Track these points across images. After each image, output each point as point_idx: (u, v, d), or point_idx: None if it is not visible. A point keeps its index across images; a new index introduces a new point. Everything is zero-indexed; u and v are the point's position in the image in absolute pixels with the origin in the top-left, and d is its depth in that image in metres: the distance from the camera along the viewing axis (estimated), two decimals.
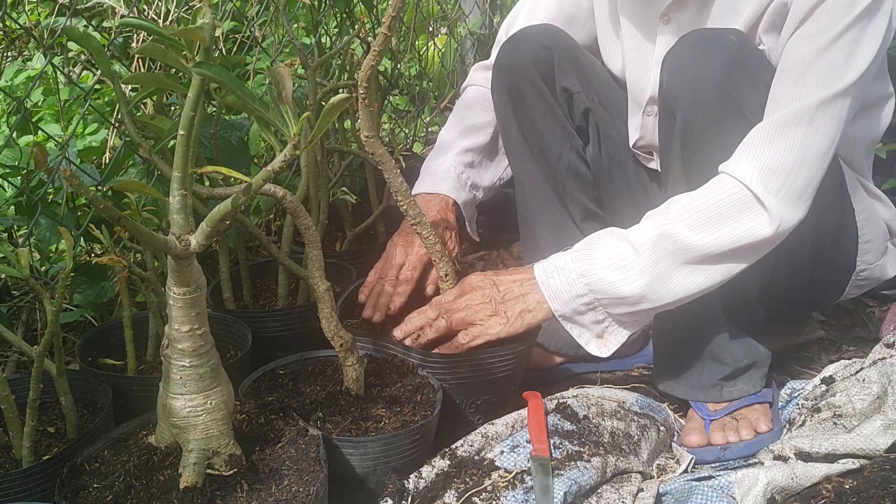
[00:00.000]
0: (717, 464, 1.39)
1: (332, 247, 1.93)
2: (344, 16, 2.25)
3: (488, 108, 1.70)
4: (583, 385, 1.59)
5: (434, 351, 1.39)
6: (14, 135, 1.70)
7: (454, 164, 1.67)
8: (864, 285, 1.63)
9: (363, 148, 1.63)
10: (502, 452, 1.25)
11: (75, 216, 1.64)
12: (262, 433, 1.19)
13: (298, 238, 1.47)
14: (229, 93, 0.95)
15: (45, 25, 2.15)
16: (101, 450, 1.15)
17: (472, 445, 1.28)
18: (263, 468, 1.12)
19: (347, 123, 1.96)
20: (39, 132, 1.88)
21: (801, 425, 1.38)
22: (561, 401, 1.39)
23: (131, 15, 1.83)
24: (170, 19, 2.07)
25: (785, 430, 1.44)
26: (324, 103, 0.89)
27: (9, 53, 2.31)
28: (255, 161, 2.19)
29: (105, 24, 2.39)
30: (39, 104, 2.32)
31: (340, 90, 1.73)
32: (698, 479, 1.26)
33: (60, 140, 1.78)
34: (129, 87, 1.78)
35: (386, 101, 2.70)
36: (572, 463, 1.22)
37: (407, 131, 2.99)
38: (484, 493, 1.17)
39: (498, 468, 1.22)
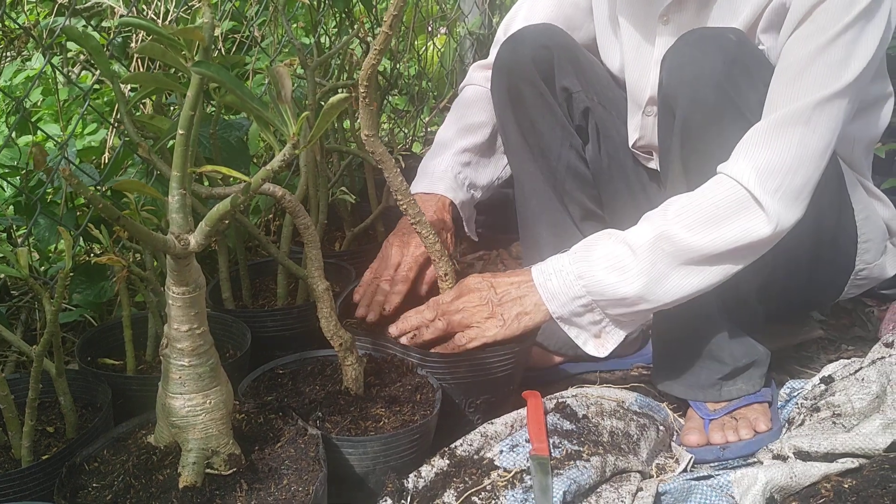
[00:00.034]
0: (716, 463, 1.39)
1: (332, 246, 1.93)
2: (343, 16, 2.25)
3: (486, 108, 1.70)
4: (582, 384, 1.59)
5: (432, 350, 1.40)
6: (13, 135, 1.70)
7: (451, 164, 1.66)
8: (864, 285, 1.63)
9: (362, 147, 1.63)
10: (501, 452, 1.25)
11: (74, 216, 1.64)
12: (262, 433, 1.19)
13: (297, 238, 1.47)
14: (228, 92, 0.95)
15: (44, 25, 2.15)
16: (100, 449, 1.15)
17: (471, 445, 1.28)
18: (263, 467, 1.12)
19: (347, 123, 1.96)
20: (38, 132, 1.88)
21: (801, 425, 1.38)
22: (560, 400, 1.39)
23: (130, 14, 1.83)
24: (169, 19, 2.07)
25: (784, 430, 1.44)
26: (323, 103, 0.89)
27: (8, 53, 2.31)
28: (255, 161, 2.19)
29: (104, 23, 2.39)
30: (38, 104, 2.32)
31: (340, 90, 1.73)
32: (697, 479, 1.26)
33: (59, 140, 1.78)
34: (129, 86, 1.78)
35: (385, 101, 2.70)
36: (571, 462, 1.22)
37: (406, 131, 2.99)
38: (483, 493, 1.17)
39: (497, 467, 1.22)
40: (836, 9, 1.26)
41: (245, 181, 0.92)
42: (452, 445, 1.28)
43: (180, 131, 0.95)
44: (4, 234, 1.75)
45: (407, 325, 1.42)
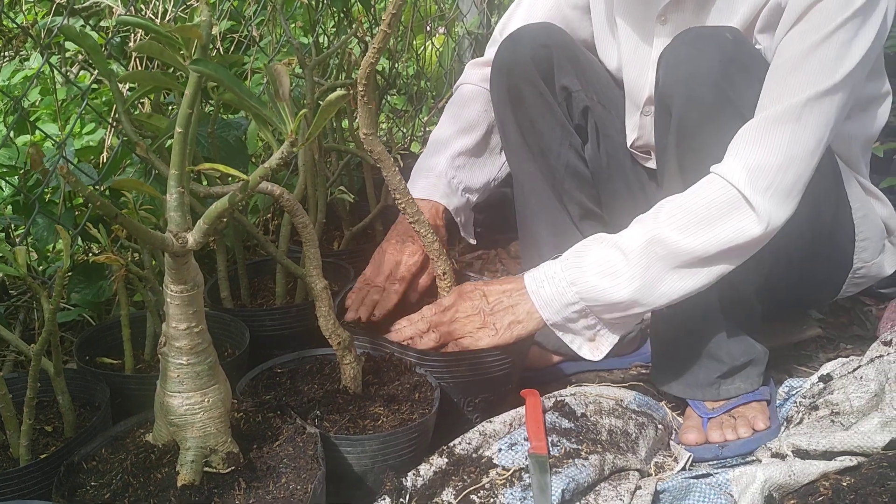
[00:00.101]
0: (714, 461, 1.39)
1: (330, 246, 1.93)
2: (341, 15, 2.25)
3: (482, 106, 1.70)
4: (581, 383, 1.59)
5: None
6: (11, 134, 1.70)
7: (446, 168, 1.65)
8: (862, 283, 1.63)
9: (361, 146, 1.63)
10: (500, 450, 1.25)
11: (72, 215, 1.64)
12: (260, 431, 1.19)
13: (296, 237, 1.47)
14: (226, 90, 0.95)
15: (42, 25, 2.15)
16: (98, 448, 1.15)
17: (470, 443, 1.28)
18: (261, 466, 1.12)
19: (345, 123, 1.96)
20: (37, 131, 1.88)
21: (799, 423, 1.38)
22: (559, 399, 1.39)
23: (128, 14, 1.83)
24: (167, 18, 2.07)
25: (783, 428, 1.44)
26: (321, 102, 0.88)
27: (6, 53, 2.31)
28: (253, 160, 2.19)
29: (102, 23, 2.39)
30: (37, 104, 2.32)
31: (338, 88, 1.73)
32: (696, 477, 1.26)
33: (58, 139, 1.78)
34: (127, 85, 1.78)
35: (384, 101, 2.70)
36: (570, 461, 1.22)
37: (405, 131, 2.99)
38: (482, 491, 1.17)
39: (496, 466, 1.22)
40: (832, 8, 1.26)
41: (243, 179, 0.92)
42: (451, 444, 1.28)
43: (178, 130, 0.95)
44: (3, 234, 1.75)
45: (400, 336, 1.42)
